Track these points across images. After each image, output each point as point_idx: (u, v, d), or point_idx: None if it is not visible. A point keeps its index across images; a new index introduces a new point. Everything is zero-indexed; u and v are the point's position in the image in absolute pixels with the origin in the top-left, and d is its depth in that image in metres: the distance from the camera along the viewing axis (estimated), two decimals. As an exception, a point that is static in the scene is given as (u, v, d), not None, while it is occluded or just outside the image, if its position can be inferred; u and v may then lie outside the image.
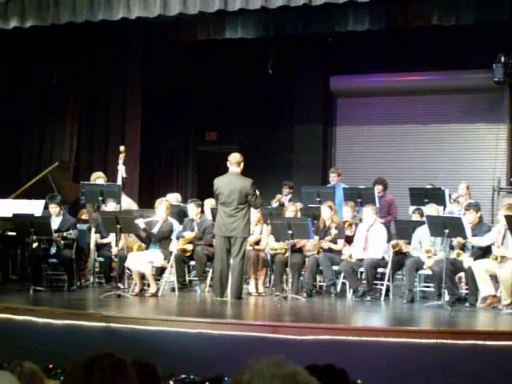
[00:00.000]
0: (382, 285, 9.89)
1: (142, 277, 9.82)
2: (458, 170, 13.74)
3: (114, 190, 10.83)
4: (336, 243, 10.14)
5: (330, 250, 10.11)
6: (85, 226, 11.12)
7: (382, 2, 11.54)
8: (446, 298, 9.11)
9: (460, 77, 13.86)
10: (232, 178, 9.48)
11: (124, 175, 11.36)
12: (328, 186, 12.21)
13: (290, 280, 9.80)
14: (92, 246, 10.97)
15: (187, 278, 10.64)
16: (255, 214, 10.12)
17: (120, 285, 10.12)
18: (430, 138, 14.23)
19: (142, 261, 9.68)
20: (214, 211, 10.39)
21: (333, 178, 12.10)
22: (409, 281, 9.57)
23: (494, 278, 9.01)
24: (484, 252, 9.27)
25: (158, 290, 9.80)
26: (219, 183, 9.52)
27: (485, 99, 13.83)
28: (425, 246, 9.56)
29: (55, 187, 11.58)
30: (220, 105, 14.92)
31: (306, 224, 9.63)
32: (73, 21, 10.80)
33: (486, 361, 6.55)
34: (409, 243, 9.94)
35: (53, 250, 10.19)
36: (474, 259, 9.22)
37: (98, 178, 11.43)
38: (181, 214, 11.12)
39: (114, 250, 10.40)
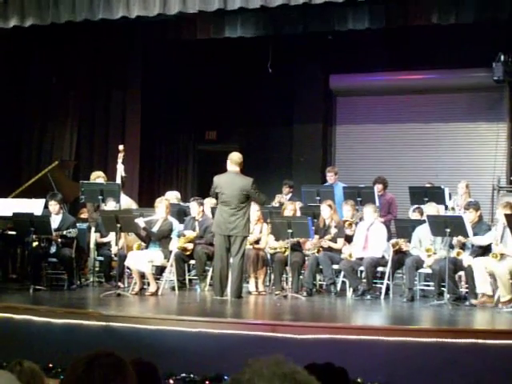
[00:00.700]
0: (382, 284, 9.89)
1: (142, 276, 9.82)
2: (458, 168, 13.74)
3: (113, 189, 10.82)
4: (336, 242, 10.14)
5: (329, 248, 10.11)
6: (85, 225, 11.13)
7: (382, 0, 11.54)
8: (447, 296, 9.11)
9: (460, 75, 13.86)
10: (232, 177, 9.47)
11: (123, 174, 11.35)
12: (326, 184, 12.22)
13: (290, 279, 9.80)
14: (92, 245, 10.97)
15: (187, 277, 10.64)
16: (255, 212, 10.12)
17: (120, 284, 10.13)
18: (430, 136, 14.23)
19: (141, 260, 9.68)
20: (214, 210, 10.39)
21: (330, 177, 12.12)
22: (409, 279, 9.57)
23: (494, 278, 9.01)
24: (484, 250, 9.28)
25: (158, 289, 9.80)
26: (219, 181, 9.50)
27: (485, 98, 13.84)
28: (425, 245, 9.56)
29: (55, 186, 11.58)
30: (220, 104, 14.91)
31: (306, 223, 9.62)
32: (72, 20, 10.79)
33: (486, 359, 6.56)
34: (409, 242, 9.94)
35: (53, 249, 10.20)
36: (474, 258, 9.22)
37: (98, 177, 11.42)
38: (180, 213, 11.11)
39: (114, 249, 10.40)
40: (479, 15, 10.93)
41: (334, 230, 10.15)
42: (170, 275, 10.38)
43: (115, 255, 10.31)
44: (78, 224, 10.70)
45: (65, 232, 10.09)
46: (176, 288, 10.11)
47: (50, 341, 7.51)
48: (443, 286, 9.20)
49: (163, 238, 10.01)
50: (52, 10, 10.75)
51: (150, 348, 6.91)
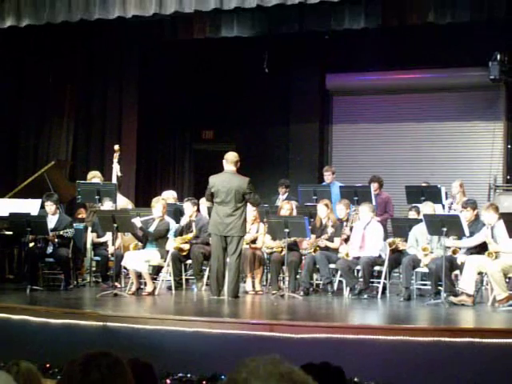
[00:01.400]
0: (379, 283, 9.89)
1: (139, 276, 9.81)
2: (455, 167, 13.76)
3: (110, 189, 10.81)
4: (333, 241, 10.14)
5: (326, 248, 10.11)
6: (81, 225, 11.12)
7: (378, -1, 11.55)
8: (444, 295, 9.12)
9: (456, 75, 13.88)
10: (229, 177, 9.44)
11: (119, 174, 11.32)
12: (322, 184, 12.23)
13: (287, 278, 9.81)
14: (88, 245, 10.97)
15: (184, 277, 10.63)
16: (251, 212, 10.12)
17: (117, 284, 10.11)
18: (426, 135, 14.24)
19: (138, 260, 9.67)
20: (210, 210, 10.37)
21: (327, 176, 12.13)
22: (405, 279, 9.57)
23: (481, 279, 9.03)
24: (479, 249, 9.29)
25: (155, 288, 9.80)
26: (215, 181, 9.47)
27: (481, 97, 13.85)
28: (421, 244, 9.57)
29: (51, 186, 11.57)
30: (216, 103, 14.90)
31: (303, 222, 9.62)
32: (68, 20, 10.79)
33: (484, 358, 6.56)
34: (405, 241, 9.95)
35: (49, 249, 10.19)
36: (469, 255, 9.24)
37: (95, 177, 11.41)
38: (177, 213, 11.10)
39: (111, 249, 10.39)
40: (475, 14, 10.93)
41: (330, 230, 10.15)
42: (167, 275, 10.38)
43: (112, 255, 10.31)
44: (74, 224, 10.70)
45: (61, 232, 10.08)
46: (173, 288, 10.10)
47: (47, 341, 7.51)
48: (440, 285, 9.20)
49: (160, 237, 10.00)
50: (48, 10, 10.74)
51: (147, 348, 6.91)
